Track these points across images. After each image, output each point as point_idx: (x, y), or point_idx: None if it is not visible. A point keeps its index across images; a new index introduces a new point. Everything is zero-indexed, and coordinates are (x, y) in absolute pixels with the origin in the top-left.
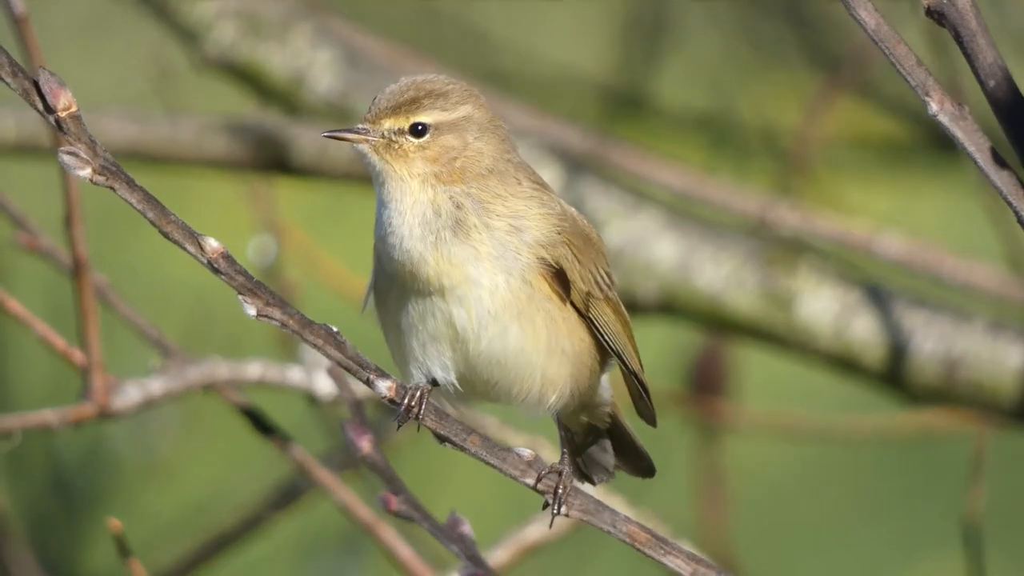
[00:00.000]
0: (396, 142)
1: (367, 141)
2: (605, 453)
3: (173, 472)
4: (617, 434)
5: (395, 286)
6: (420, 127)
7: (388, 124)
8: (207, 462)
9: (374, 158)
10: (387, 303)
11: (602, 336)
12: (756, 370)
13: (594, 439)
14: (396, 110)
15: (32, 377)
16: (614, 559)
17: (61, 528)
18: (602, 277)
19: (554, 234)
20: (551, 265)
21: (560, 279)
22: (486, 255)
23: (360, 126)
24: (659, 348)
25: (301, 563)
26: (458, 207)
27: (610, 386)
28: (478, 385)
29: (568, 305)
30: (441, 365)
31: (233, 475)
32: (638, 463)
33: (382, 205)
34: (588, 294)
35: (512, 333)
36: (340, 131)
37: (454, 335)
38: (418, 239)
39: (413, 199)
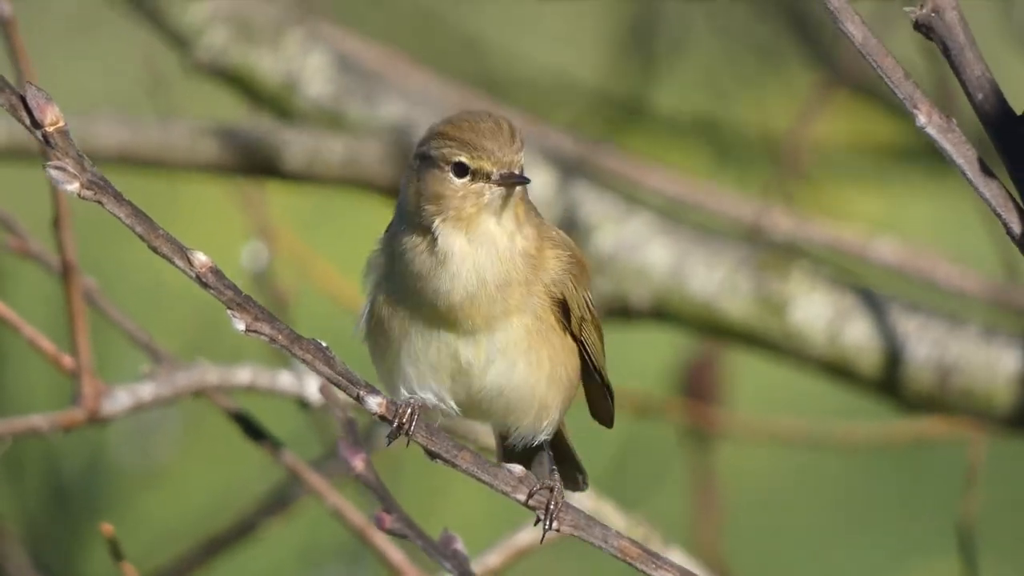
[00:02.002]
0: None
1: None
2: (541, 466)
3: (173, 479)
4: (560, 447)
5: (407, 314)
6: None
7: (518, 161)
8: (208, 469)
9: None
10: (390, 327)
11: (589, 357)
12: (749, 377)
13: (532, 452)
14: (519, 149)
15: (34, 383)
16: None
17: (60, 535)
18: (589, 298)
19: (564, 272)
20: (556, 297)
21: (562, 308)
22: (515, 307)
23: (506, 171)
24: (653, 354)
25: (302, 572)
26: (521, 254)
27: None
28: (474, 412)
29: (567, 333)
30: (436, 392)
31: (233, 482)
32: (574, 476)
33: (443, 243)
34: (581, 318)
35: (519, 368)
36: (518, 178)
37: (457, 368)
38: (465, 278)
39: (489, 238)
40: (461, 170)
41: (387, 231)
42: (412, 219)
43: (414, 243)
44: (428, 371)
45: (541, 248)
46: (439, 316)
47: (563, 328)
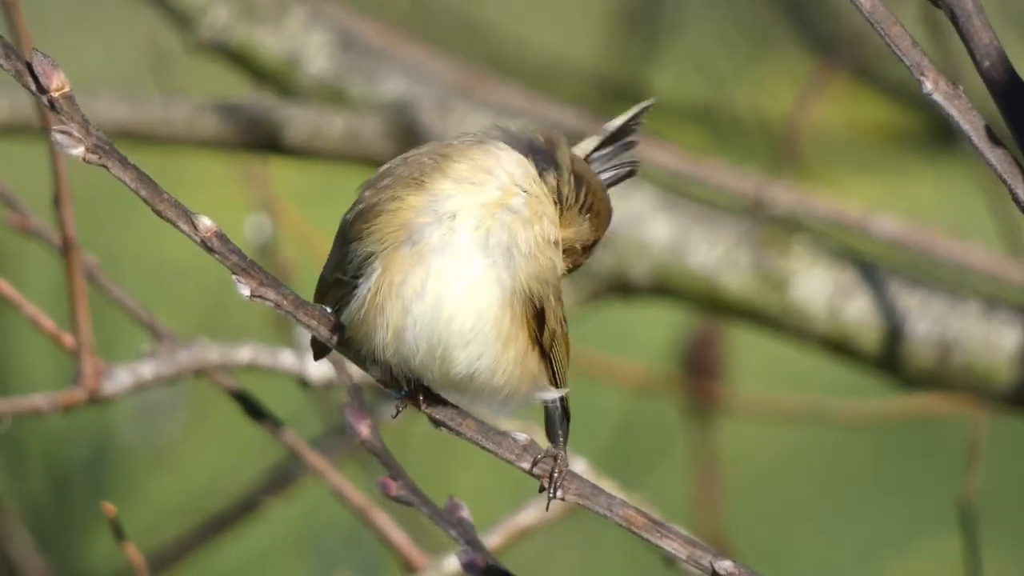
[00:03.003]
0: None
1: None
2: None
3: (178, 460)
4: None
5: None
6: None
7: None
8: (213, 450)
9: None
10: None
11: (554, 374)
12: (751, 353)
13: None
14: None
15: (37, 364)
16: (613, 540)
17: (64, 517)
18: (561, 312)
19: (549, 277)
20: (534, 304)
21: (538, 320)
22: (498, 300)
23: None
24: (654, 331)
25: (304, 553)
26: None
27: None
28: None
29: (536, 345)
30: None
31: (239, 462)
32: None
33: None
34: (554, 331)
35: (485, 360)
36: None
37: (427, 351)
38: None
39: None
40: None
41: None
42: None
43: None
44: (399, 346)
45: None
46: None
47: (534, 339)
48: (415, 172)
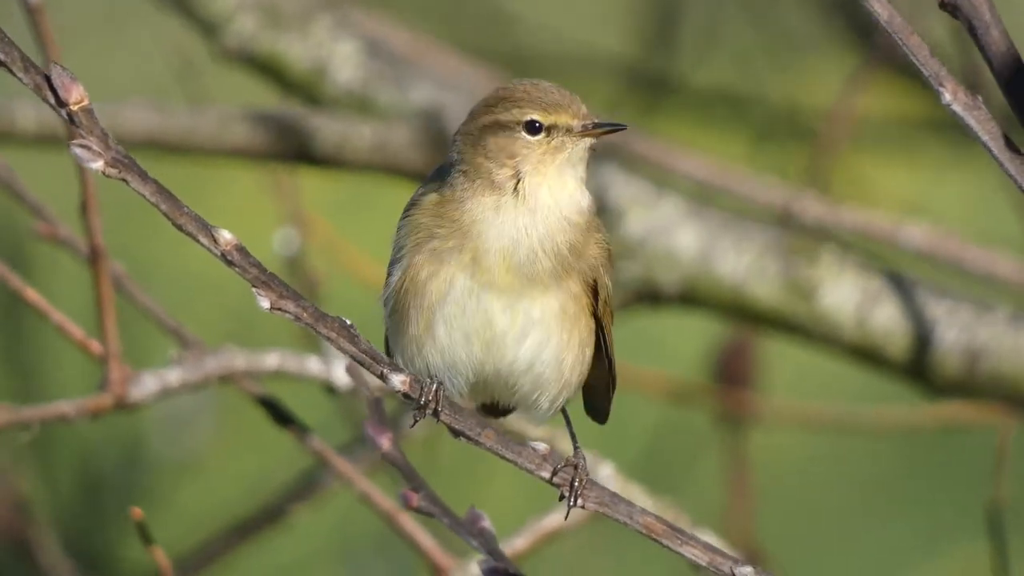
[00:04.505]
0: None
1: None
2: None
3: (209, 469)
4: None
5: (451, 273)
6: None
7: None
8: (243, 459)
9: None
10: (427, 290)
11: (604, 344)
12: (781, 361)
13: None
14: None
15: (67, 372)
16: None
17: (95, 526)
18: (610, 287)
19: (604, 258)
20: (589, 282)
21: (593, 292)
22: (563, 273)
23: (588, 121)
24: (685, 340)
25: (336, 563)
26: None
27: None
28: (495, 390)
29: (593, 317)
30: (457, 365)
31: (269, 471)
32: None
33: (528, 189)
34: (604, 303)
35: (552, 343)
36: (607, 124)
37: (491, 336)
38: (549, 228)
39: (570, 201)
40: (533, 128)
41: (417, 201)
42: (478, 184)
43: (482, 202)
44: (461, 338)
45: (590, 225)
46: (490, 271)
47: (591, 311)
48: None
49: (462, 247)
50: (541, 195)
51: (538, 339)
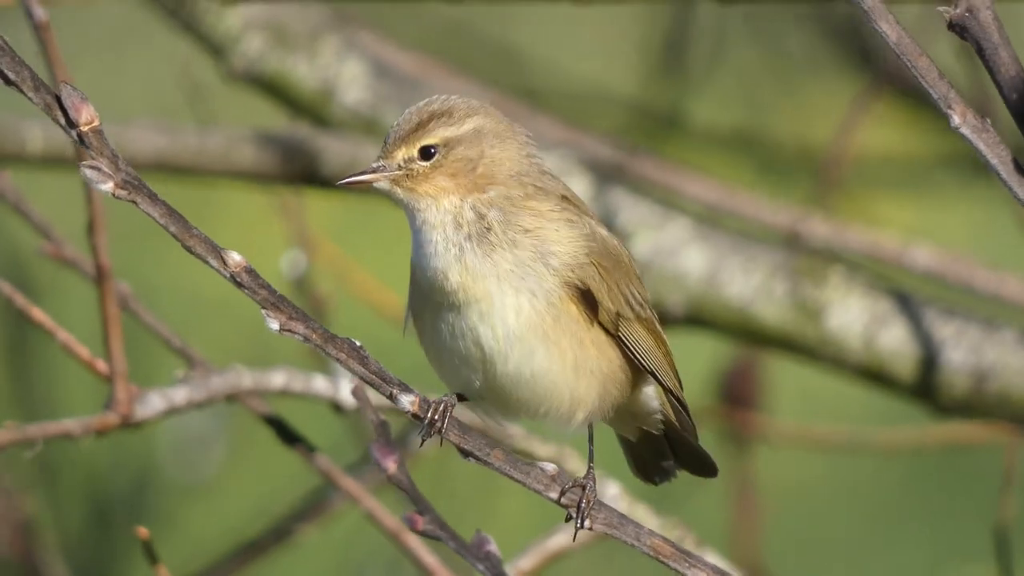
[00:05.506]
0: (411, 169)
1: (384, 177)
2: (662, 456)
3: (218, 491)
4: (673, 437)
5: (428, 305)
6: (431, 149)
7: (401, 154)
8: (253, 481)
9: (396, 190)
10: (423, 323)
11: (634, 355)
12: (788, 382)
13: (651, 443)
14: (405, 140)
15: (73, 392)
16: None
17: (104, 548)
18: (633, 296)
19: (582, 256)
20: (577, 287)
21: (587, 300)
22: (506, 272)
23: (374, 164)
24: (691, 360)
25: None
26: (480, 217)
27: (658, 394)
28: (508, 403)
29: (596, 326)
30: (470, 384)
31: (277, 493)
32: (699, 464)
33: (415, 232)
34: (617, 314)
35: (538, 355)
36: (355, 176)
37: (481, 355)
38: (442, 253)
39: (437, 214)
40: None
41: None
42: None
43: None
44: (459, 363)
45: (540, 216)
46: (438, 289)
47: (589, 320)
48: None
49: (423, 275)
50: (421, 216)
51: (522, 353)
